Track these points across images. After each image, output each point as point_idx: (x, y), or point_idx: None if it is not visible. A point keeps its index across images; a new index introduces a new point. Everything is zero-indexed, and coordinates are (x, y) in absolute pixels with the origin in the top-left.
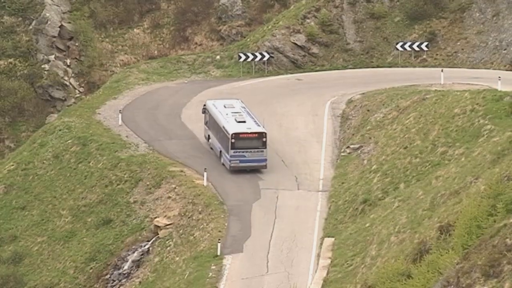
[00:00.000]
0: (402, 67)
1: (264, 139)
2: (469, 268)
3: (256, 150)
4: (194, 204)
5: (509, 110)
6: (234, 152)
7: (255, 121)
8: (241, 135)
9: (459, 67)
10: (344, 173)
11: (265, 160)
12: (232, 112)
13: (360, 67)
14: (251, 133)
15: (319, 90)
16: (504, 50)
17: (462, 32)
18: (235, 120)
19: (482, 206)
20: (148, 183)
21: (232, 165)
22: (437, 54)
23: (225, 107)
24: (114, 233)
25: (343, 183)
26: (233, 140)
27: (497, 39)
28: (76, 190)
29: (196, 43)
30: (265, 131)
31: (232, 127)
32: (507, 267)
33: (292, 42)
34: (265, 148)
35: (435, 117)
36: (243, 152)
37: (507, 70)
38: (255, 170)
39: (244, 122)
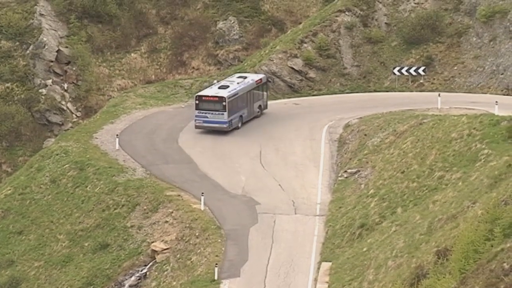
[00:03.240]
0: (399, 91)
1: (223, 103)
2: None
3: (217, 112)
4: (191, 228)
5: (506, 135)
6: (198, 112)
7: (235, 88)
8: (203, 98)
9: (456, 92)
10: (342, 198)
11: (226, 122)
12: (229, 80)
13: (357, 92)
14: (212, 96)
15: (316, 114)
16: (501, 74)
17: (459, 56)
18: (218, 86)
19: (479, 230)
20: (145, 207)
21: (196, 124)
22: (434, 79)
23: (238, 77)
24: (111, 258)
25: (340, 207)
26: (197, 102)
27: (494, 64)
28: (73, 214)
29: (193, 68)
30: (225, 96)
31: (201, 91)
32: None
33: (289, 67)
34: (225, 111)
35: (432, 142)
36: (205, 113)
37: (504, 94)
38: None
39: (224, 88)
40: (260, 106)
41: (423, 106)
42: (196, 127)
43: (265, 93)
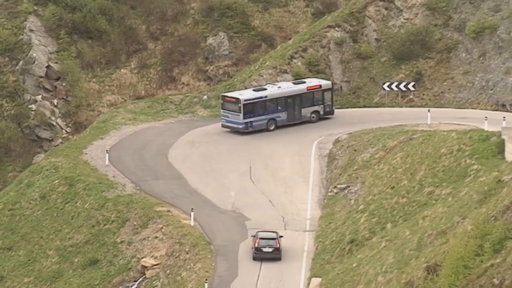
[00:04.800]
0: (389, 107)
1: (239, 105)
2: None
3: (234, 113)
4: (181, 244)
5: (496, 150)
6: (223, 112)
7: (265, 92)
8: (226, 98)
9: (446, 107)
10: (331, 213)
11: (241, 123)
12: (275, 83)
13: (347, 107)
14: (230, 97)
15: (306, 130)
16: (491, 90)
17: (448, 72)
18: (255, 88)
19: (469, 246)
20: (135, 223)
21: (222, 122)
22: (423, 94)
23: (295, 82)
24: (101, 274)
25: (330, 223)
26: (222, 101)
27: (484, 79)
28: (63, 230)
29: (183, 83)
30: (241, 98)
31: (232, 92)
32: None
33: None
34: (240, 113)
35: (422, 157)
36: (227, 113)
37: (493, 110)
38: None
39: (258, 91)
40: (315, 112)
41: (413, 122)
42: (222, 125)
43: (326, 99)
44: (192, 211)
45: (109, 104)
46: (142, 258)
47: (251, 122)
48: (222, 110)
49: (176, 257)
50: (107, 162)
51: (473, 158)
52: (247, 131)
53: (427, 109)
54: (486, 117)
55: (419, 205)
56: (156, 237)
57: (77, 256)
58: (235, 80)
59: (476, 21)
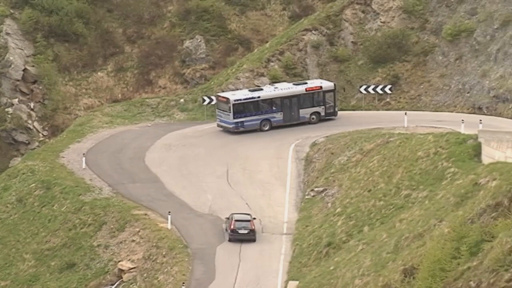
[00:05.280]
0: (365, 110)
1: (229, 105)
2: None
3: (226, 112)
4: (158, 247)
5: (472, 153)
6: (217, 111)
7: (259, 93)
8: (219, 98)
9: (423, 110)
10: (308, 216)
11: (232, 123)
12: (273, 85)
13: None
14: (222, 97)
15: (283, 133)
16: (467, 93)
17: (425, 75)
18: (249, 89)
19: (446, 249)
20: (112, 226)
21: (217, 122)
22: (400, 97)
23: (295, 84)
24: (77, 277)
25: (307, 226)
26: (216, 101)
27: (460, 82)
28: (39, 233)
29: (160, 86)
30: (230, 98)
31: (232, 92)
32: None
33: (256, 85)
34: (230, 113)
35: (399, 160)
36: (220, 112)
37: (470, 113)
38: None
39: (253, 91)
40: (316, 113)
41: (390, 125)
42: (217, 125)
43: (328, 100)
44: (169, 215)
45: (86, 108)
46: (119, 261)
47: (242, 122)
48: (217, 110)
49: (153, 261)
50: (84, 165)
51: (450, 161)
52: (238, 130)
53: (404, 112)
54: (462, 120)
55: (396, 208)
56: (133, 241)
57: (53, 259)
58: (212, 83)
59: (453, 24)
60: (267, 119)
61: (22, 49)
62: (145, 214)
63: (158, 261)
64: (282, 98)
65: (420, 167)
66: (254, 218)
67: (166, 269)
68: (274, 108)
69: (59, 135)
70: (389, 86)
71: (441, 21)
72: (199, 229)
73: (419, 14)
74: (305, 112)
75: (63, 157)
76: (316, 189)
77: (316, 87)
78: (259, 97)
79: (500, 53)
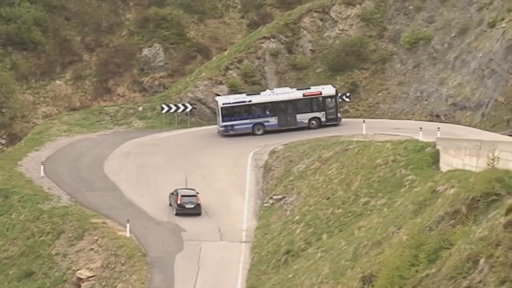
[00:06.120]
0: None
1: (219, 109)
2: None
3: (218, 116)
4: (117, 255)
5: (430, 161)
6: (217, 115)
7: (253, 97)
8: (217, 102)
9: (381, 118)
10: (267, 224)
11: (221, 126)
12: (272, 90)
13: None
14: (216, 100)
15: (242, 141)
16: (425, 101)
17: (383, 83)
18: (247, 93)
19: (404, 256)
20: (70, 235)
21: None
22: (359, 105)
23: (298, 89)
24: (36, 286)
25: (266, 234)
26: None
27: (418, 90)
28: None
29: (118, 95)
30: (219, 101)
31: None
32: None
33: (215, 93)
34: (219, 116)
35: (358, 168)
36: (217, 115)
37: (428, 120)
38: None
39: (250, 95)
40: (315, 118)
41: (348, 133)
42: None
43: (329, 106)
44: (127, 223)
45: (44, 116)
46: (78, 270)
47: (232, 125)
48: (216, 113)
49: (111, 269)
50: (42, 173)
51: (408, 169)
52: (228, 134)
53: (362, 120)
54: (420, 128)
55: (355, 216)
56: (92, 249)
57: (12, 268)
58: (171, 91)
59: (411, 32)
60: (261, 123)
61: None
62: (104, 223)
63: (116, 270)
64: (277, 103)
65: (379, 175)
66: (198, 193)
67: (124, 278)
68: (268, 112)
69: (17, 144)
70: (347, 94)
71: (399, 29)
72: (158, 237)
73: (377, 22)
74: (303, 117)
75: (21, 166)
76: (274, 197)
77: (315, 92)
78: (250, 101)
79: (458, 61)
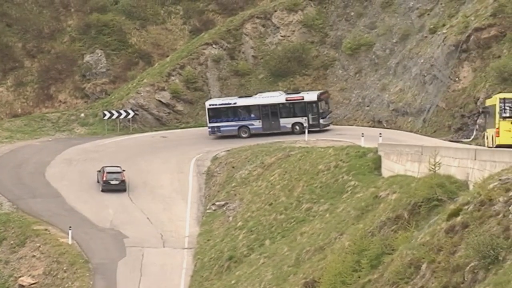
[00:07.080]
0: None
1: (206, 111)
2: None
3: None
4: (59, 262)
5: (373, 166)
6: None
7: (237, 100)
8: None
9: None
10: (210, 230)
11: (208, 127)
12: (262, 94)
13: None
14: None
15: (184, 147)
16: (367, 107)
17: (325, 89)
18: (239, 96)
19: (346, 262)
20: (12, 242)
21: None
22: None
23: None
24: None
25: (208, 240)
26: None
27: (360, 96)
28: None
29: (60, 101)
30: (206, 103)
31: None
32: None
33: (157, 100)
34: (207, 118)
35: (300, 174)
36: None
37: (370, 126)
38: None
39: (239, 98)
40: (298, 123)
41: (291, 139)
42: None
43: (312, 112)
44: (70, 230)
45: None
46: (20, 277)
47: (218, 127)
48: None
49: (53, 276)
50: None
51: (350, 174)
52: (214, 135)
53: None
54: (362, 134)
55: (297, 222)
56: (34, 256)
57: None
58: (113, 97)
59: (352, 38)
60: (246, 126)
61: None
62: (46, 229)
63: (59, 277)
64: (260, 106)
65: (321, 181)
66: (124, 170)
67: (67, 285)
68: (252, 115)
69: None
70: None
71: (341, 35)
72: (100, 244)
73: (319, 28)
74: (286, 122)
75: None
76: (217, 203)
77: (297, 97)
78: (235, 103)
79: (399, 67)
